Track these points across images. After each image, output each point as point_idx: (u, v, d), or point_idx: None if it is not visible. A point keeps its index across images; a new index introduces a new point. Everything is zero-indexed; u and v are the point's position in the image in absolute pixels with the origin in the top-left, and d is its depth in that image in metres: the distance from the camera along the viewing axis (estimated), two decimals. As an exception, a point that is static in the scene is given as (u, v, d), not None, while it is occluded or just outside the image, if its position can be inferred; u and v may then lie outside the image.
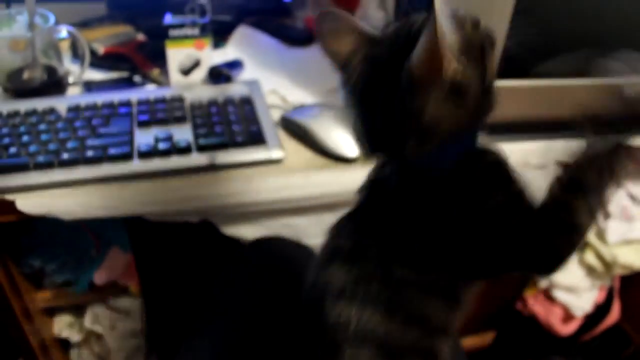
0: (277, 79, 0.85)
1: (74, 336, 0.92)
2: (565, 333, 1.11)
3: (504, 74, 0.69)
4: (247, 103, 0.75)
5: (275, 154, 0.68)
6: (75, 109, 0.71)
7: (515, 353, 1.27)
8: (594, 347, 1.27)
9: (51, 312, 0.91)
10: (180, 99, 0.74)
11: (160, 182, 0.65)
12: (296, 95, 0.82)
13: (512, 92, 0.71)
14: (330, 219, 0.77)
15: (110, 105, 0.72)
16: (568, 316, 1.09)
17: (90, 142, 0.65)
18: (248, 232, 0.74)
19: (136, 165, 0.64)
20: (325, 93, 0.83)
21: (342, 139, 0.70)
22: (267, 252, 0.72)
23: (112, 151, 0.64)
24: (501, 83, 0.70)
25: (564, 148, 0.79)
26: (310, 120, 0.71)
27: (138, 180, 0.64)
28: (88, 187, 0.63)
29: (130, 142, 0.66)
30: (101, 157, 0.64)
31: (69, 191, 0.62)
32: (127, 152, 0.65)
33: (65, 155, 0.63)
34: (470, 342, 1.19)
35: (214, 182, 0.66)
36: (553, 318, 1.09)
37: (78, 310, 0.92)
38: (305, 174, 0.69)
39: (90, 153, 0.64)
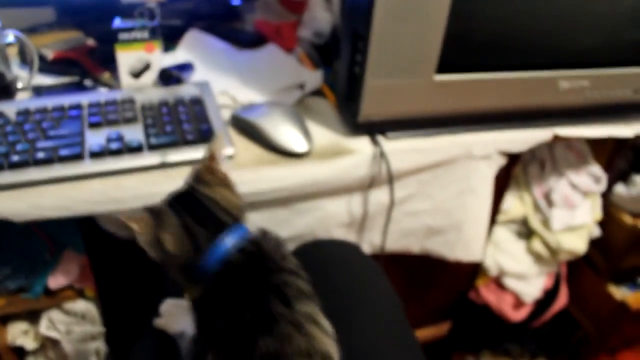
0: (227, 80, 0.87)
1: (29, 344, 0.91)
2: (516, 319, 1.15)
3: (444, 68, 0.73)
4: (197, 103, 0.76)
5: (226, 150, 0.70)
6: (24, 113, 0.71)
7: (472, 341, 1.31)
8: (545, 333, 1.32)
9: (4, 320, 0.90)
10: (131, 101, 0.75)
11: (112, 181, 0.66)
12: (246, 95, 0.84)
13: (453, 85, 0.75)
14: (282, 213, 0.80)
15: (60, 109, 0.73)
16: (519, 303, 1.14)
17: (41, 144, 0.66)
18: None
19: (88, 165, 0.65)
20: (274, 93, 0.85)
21: (291, 135, 0.72)
22: None
23: (63, 152, 0.65)
24: (443, 77, 0.74)
25: (506, 139, 0.85)
26: (260, 117, 0.74)
27: (90, 180, 0.65)
28: (39, 188, 0.64)
29: (81, 142, 0.67)
30: (52, 158, 0.64)
31: (20, 193, 0.63)
32: (78, 153, 0.65)
33: (15, 158, 0.63)
34: (426, 332, 1.23)
35: (166, 179, 0.67)
36: (505, 305, 1.14)
37: (33, 317, 0.91)
38: (256, 169, 0.71)
39: (40, 155, 0.64)
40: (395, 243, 0.91)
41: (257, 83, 0.87)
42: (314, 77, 0.86)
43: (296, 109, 0.78)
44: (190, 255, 0.53)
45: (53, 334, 0.89)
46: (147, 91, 0.78)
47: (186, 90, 0.79)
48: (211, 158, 0.56)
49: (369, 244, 0.89)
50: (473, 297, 1.17)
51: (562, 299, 1.20)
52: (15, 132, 0.67)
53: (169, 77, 0.81)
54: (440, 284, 1.12)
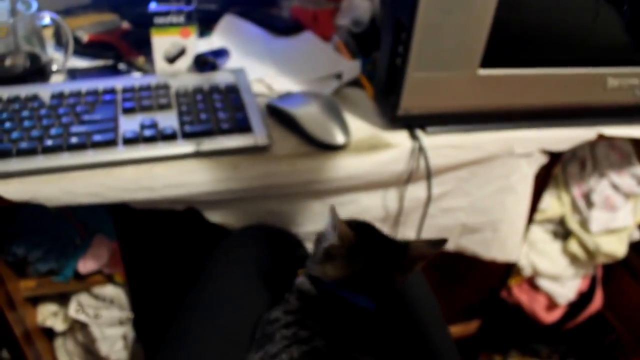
0: (263, 68, 0.85)
1: (58, 325, 0.92)
2: (549, 321, 1.12)
3: (489, 62, 0.70)
4: (232, 91, 0.75)
5: (262, 140, 0.68)
6: (58, 96, 0.70)
7: (500, 341, 1.29)
8: (576, 335, 1.29)
9: (35, 301, 0.90)
10: (165, 87, 0.74)
11: (145, 169, 0.64)
12: (282, 84, 0.82)
13: (497, 80, 0.72)
14: (316, 206, 0.78)
15: (94, 93, 0.71)
16: (552, 304, 1.11)
17: (74, 128, 0.65)
18: (233, 219, 0.75)
19: (121, 152, 0.64)
20: (310, 82, 0.83)
21: (328, 127, 0.70)
22: (253, 240, 0.72)
23: (97, 138, 0.64)
24: (487, 72, 0.71)
25: (549, 137, 0.81)
26: (296, 107, 0.71)
27: (123, 167, 0.64)
28: (72, 174, 0.63)
29: (115, 128, 0.66)
30: (85, 144, 0.63)
31: (53, 178, 0.62)
32: (112, 139, 0.64)
33: (48, 142, 0.63)
34: (455, 330, 1.20)
35: (200, 169, 0.66)
36: (537, 306, 1.11)
37: (62, 299, 0.91)
38: (291, 161, 0.69)
39: (74, 140, 0.63)
40: (429, 240, 0.88)
41: (294, 72, 0.84)
42: (351, 67, 0.84)
43: (335, 100, 0.76)
44: (347, 272, 0.56)
45: (82, 317, 0.89)
46: (181, 77, 0.77)
47: (221, 77, 0.77)
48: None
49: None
50: (504, 297, 1.14)
51: (596, 303, 1.16)
52: (49, 115, 0.67)
53: (204, 63, 0.79)
54: (471, 282, 1.09)
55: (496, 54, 0.69)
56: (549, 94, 0.77)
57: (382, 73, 0.73)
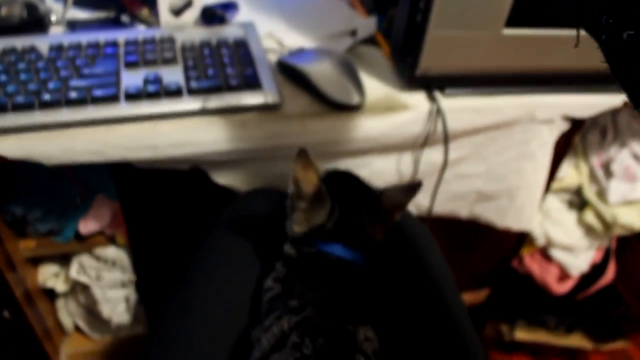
0: (273, 22, 0.81)
1: (60, 286, 0.90)
2: (560, 292, 1.10)
3: (515, 21, 0.66)
4: (241, 45, 0.70)
5: (271, 98, 0.64)
6: (57, 48, 0.66)
7: (508, 310, 1.27)
8: (586, 306, 1.27)
9: (35, 262, 0.88)
10: (170, 40, 0.70)
11: (148, 126, 0.61)
12: (293, 39, 0.78)
13: (523, 41, 0.67)
14: (329, 167, 0.75)
15: (95, 45, 0.67)
16: (564, 275, 1.08)
17: (74, 82, 0.61)
18: (240, 181, 0.71)
19: (123, 107, 0.60)
20: (323, 38, 0.79)
21: (341, 86, 0.66)
22: (259, 204, 0.68)
23: (97, 93, 0.60)
24: (513, 31, 0.67)
25: (573, 103, 0.77)
26: (308, 64, 0.67)
27: (125, 124, 0.61)
28: (71, 130, 0.59)
29: (117, 83, 0.62)
30: (85, 99, 0.60)
31: (51, 135, 0.59)
32: (114, 94, 0.61)
33: (46, 96, 0.59)
34: (464, 298, 1.18)
35: (206, 127, 0.62)
36: (549, 277, 1.08)
37: (63, 260, 0.89)
38: (302, 121, 0.65)
39: (73, 94, 0.60)
40: (443, 206, 0.85)
41: (306, 27, 0.80)
42: (366, 24, 0.79)
43: (349, 58, 0.71)
44: (317, 223, 0.52)
45: (83, 278, 0.87)
46: (188, 30, 0.73)
47: (230, 31, 0.73)
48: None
49: (415, 205, 0.84)
50: (515, 266, 1.11)
51: (609, 275, 1.13)
52: (47, 68, 0.63)
53: (211, 15, 0.75)
54: (483, 251, 1.07)
55: (523, 12, 0.64)
56: (576, 57, 0.72)
57: (400, 30, 0.69)
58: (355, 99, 0.66)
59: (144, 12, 0.78)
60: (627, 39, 0.23)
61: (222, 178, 0.70)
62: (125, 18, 0.77)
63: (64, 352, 0.98)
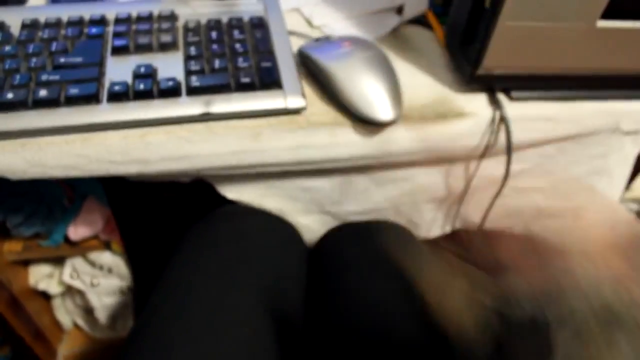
0: (300, -6, 0.66)
1: (53, 288, 0.80)
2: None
3: (614, 12, 0.50)
4: (259, 26, 0.56)
5: (294, 102, 0.51)
6: (32, 26, 0.53)
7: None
8: None
9: (26, 262, 0.78)
10: (171, 17, 0.56)
11: (135, 135, 0.48)
12: (325, 17, 0.63)
13: (620, 35, 0.52)
14: (360, 182, 0.62)
15: (78, 23, 0.54)
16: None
17: (45, 76, 0.48)
18: (253, 196, 0.59)
19: (105, 111, 0.48)
20: (362, 16, 0.64)
21: (373, 94, 0.51)
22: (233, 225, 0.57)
23: (73, 91, 0.47)
24: (610, 24, 0.51)
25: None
26: (334, 61, 0.52)
27: (107, 132, 0.48)
28: (40, 139, 0.47)
29: (99, 78, 0.49)
30: (58, 99, 0.47)
31: (14, 144, 0.46)
32: (93, 93, 0.48)
33: (8, 95, 0.46)
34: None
35: (208, 137, 0.49)
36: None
37: (57, 261, 0.79)
38: (332, 129, 0.52)
39: (42, 93, 0.47)
40: (495, 222, 0.72)
41: (341, 1, 0.65)
42: (416, 0, 0.64)
43: (386, 56, 0.56)
44: None
45: (76, 283, 0.77)
46: (193, 4, 0.59)
47: (245, 6, 0.59)
48: None
49: (462, 221, 0.71)
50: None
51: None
52: (15, 55, 0.50)
53: (224, -14, 0.60)
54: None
55: (627, 0, 0.49)
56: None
57: (462, 14, 0.54)
58: (387, 113, 0.50)
59: (144, -22, 0.64)
60: None
61: (231, 192, 0.58)
62: (120, -15, 0.64)
63: (62, 351, 0.89)
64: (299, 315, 0.54)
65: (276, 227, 0.59)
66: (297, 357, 0.51)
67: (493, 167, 0.62)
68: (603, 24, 0.51)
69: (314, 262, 0.59)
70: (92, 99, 0.47)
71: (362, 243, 0.58)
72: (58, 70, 0.49)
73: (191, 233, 0.56)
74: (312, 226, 0.63)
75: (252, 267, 0.52)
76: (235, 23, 0.56)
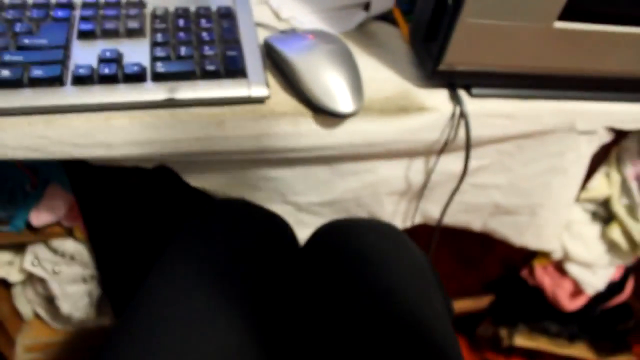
0: (270, -13, 0.67)
1: (13, 276, 0.79)
2: (571, 309, 1.00)
3: (571, 13, 0.52)
4: (227, 16, 0.57)
5: (258, 90, 0.51)
6: (-4, 6, 0.53)
7: (510, 315, 1.18)
8: (591, 317, 1.17)
9: (-16, 250, 0.77)
10: (139, 3, 0.56)
11: (99, 118, 0.48)
12: (293, 10, 0.64)
13: (576, 37, 0.54)
14: (322, 173, 0.63)
15: (44, 5, 0.54)
16: (577, 292, 0.98)
17: (8, 56, 0.48)
18: (217, 184, 0.60)
19: (69, 94, 0.48)
20: (330, 11, 0.65)
21: (334, 87, 0.52)
22: (228, 221, 0.56)
23: (37, 72, 0.47)
24: (567, 25, 0.53)
25: (621, 112, 0.65)
26: (298, 53, 0.53)
27: (71, 115, 0.48)
28: (1, 119, 0.47)
29: (64, 60, 0.49)
30: (20, 80, 0.47)
31: (-26, 123, 0.46)
32: (57, 75, 0.47)
33: (-31, 73, 0.46)
34: (466, 304, 1.08)
35: (172, 123, 0.50)
36: (560, 292, 0.98)
37: (18, 248, 0.78)
38: (295, 119, 0.53)
39: (5, 73, 0.46)
40: (454, 217, 0.74)
41: (308, -5, 0.66)
42: (382, -3, 0.66)
43: (349, 49, 0.57)
44: None
45: (38, 271, 0.76)
46: (162, -8, 0.59)
47: (214, -3, 0.60)
48: None
49: (423, 216, 0.72)
50: (525, 276, 1.01)
51: (625, 294, 1.03)
52: (-23, 33, 0.50)
53: (193, -25, 0.61)
54: (492, 259, 0.96)
55: (584, 2, 0.51)
56: (635, 59, 0.59)
57: (425, 11, 0.56)
58: (347, 105, 0.51)
59: (113, -36, 0.64)
60: None
61: (196, 180, 0.58)
62: (89, -30, 0.63)
63: (21, 342, 0.88)
64: (286, 310, 0.54)
65: (267, 221, 0.59)
66: (285, 354, 0.51)
67: (452, 162, 0.64)
68: (560, 25, 0.53)
69: (306, 260, 0.59)
70: (56, 81, 0.47)
71: (354, 242, 0.58)
72: (22, 51, 0.49)
73: (184, 227, 0.55)
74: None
75: (242, 263, 0.52)
76: (203, 12, 0.57)
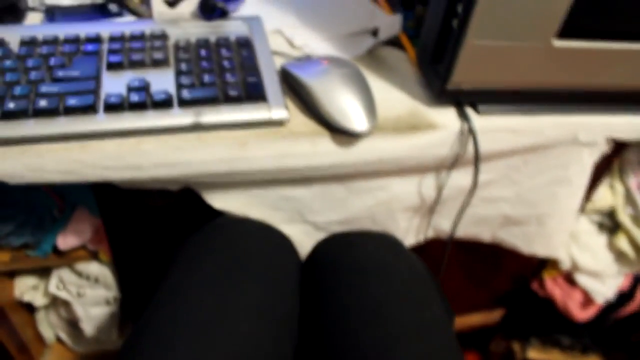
0: (283, 16, 0.71)
1: (38, 300, 0.82)
2: (582, 319, 1.02)
3: (569, 32, 0.56)
4: (245, 46, 0.61)
5: (278, 113, 0.55)
6: (30, 43, 0.57)
7: (523, 329, 1.19)
8: (603, 328, 1.18)
9: (12, 274, 0.80)
10: (162, 36, 0.60)
11: (130, 143, 0.52)
12: (305, 38, 0.68)
13: (575, 54, 0.57)
14: (338, 191, 0.65)
15: (75, 41, 0.58)
16: (587, 302, 1.00)
17: (45, 88, 0.52)
18: (238, 204, 0.62)
19: (101, 120, 0.51)
20: (340, 38, 0.69)
21: (348, 107, 0.55)
22: (227, 234, 0.59)
23: (71, 101, 0.51)
24: (565, 43, 0.57)
25: (620, 123, 0.68)
26: (313, 78, 0.57)
27: (103, 140, 0.51)
28: (39, 146, 0.50)
29: (96, 90, 0.53)
30: (57, 109, 0.50)
31: (14, 150, 0.49)
32: (91, 104, 0.51)
33: (10, 105, 0.49)
34: (477, 318, 1.10)
35: (198, 145, 0.53)
36: (571, 302, 1.00)
37: (43, 272, 0.80)
38: (313, 140, 0.56)
39: (42, 103, 0.50)
40: (465, 230, 0.76)
41: (320, 24, 0.70)
42: (390, 22, 0.69)
43: (361, 72, 0.61)
44: None
45: (62, 294, 0.79)
46: (183, 25, 0.63)
47: (232, 27, 0.63)
48: None
49: (434, 230, 0.75)
50: (536, 289, 1.03)
51: (636, 302, 1.05)
52: (15, 69, 0.53)
53: (211, 8, 0.65)
54: (504, 270, 0.98)
55: (580, 21, 0.54)
56: (632, 73, 0.63)
57: (431, 35, 0.59)
58: (361, 124, 0.55)
59: (135, 0, 0.68)
60: None
61: (218, 201, 0.61)
62: (113, 7, 0.67)
63: (43, 365, 0.90)
64: (295, 323, 0.56)
65: (270, 236, 0.61)
66: None
67: (462, 177, 0.67)
68: (559, 43, 0.56)
69: (306, 274, 0.62)
70: (89, 109, 0.51)
71: (353, 252, 0.60)
72: (57, 82, 0.52)
73: (187, 243, 0.58)
74: (295, 236, 0.66)
75: (249, 274, 0.54)
76: (223, 42, 0.60)
